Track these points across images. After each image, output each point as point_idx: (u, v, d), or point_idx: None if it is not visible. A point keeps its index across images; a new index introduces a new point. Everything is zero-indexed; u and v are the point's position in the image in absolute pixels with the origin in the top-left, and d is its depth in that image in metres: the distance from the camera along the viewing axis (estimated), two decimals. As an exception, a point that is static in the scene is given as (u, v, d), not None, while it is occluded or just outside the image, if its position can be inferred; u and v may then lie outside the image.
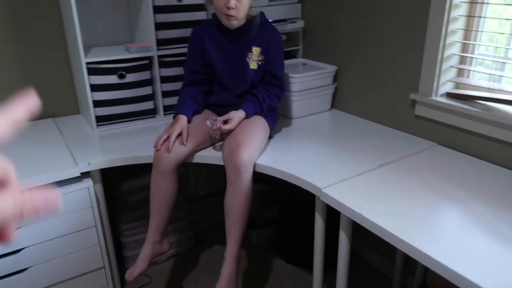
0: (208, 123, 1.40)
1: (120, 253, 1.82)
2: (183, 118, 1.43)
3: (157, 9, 1.67)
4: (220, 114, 1.50)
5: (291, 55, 2.10)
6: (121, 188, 1.79)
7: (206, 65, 1.54)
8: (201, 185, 2.06)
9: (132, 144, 1.57)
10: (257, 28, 1.48)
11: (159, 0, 1.66)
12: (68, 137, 1.63)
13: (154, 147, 1.40)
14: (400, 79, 1.63)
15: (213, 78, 1.57)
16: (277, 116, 1.63)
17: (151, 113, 1.81)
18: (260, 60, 1.50)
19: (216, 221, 2.16)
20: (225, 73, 1.53)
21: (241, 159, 1.30)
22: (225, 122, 1.43)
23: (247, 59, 1.50)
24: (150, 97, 1.79)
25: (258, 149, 1.41)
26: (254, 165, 1.38)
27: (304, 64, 2.00)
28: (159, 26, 1.70)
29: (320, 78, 1.84)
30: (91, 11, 1.78)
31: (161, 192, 1.43)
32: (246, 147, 1.33)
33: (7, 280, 1.38)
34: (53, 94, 1.83)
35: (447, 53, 1.46)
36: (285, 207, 2.00)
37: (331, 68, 1.87)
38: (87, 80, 1.61)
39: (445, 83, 1.51)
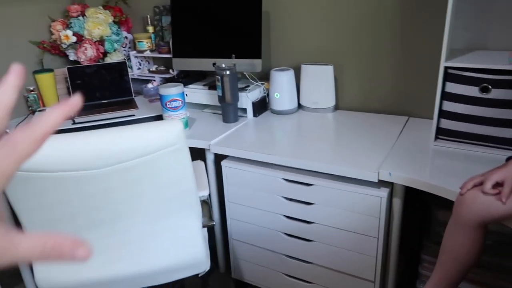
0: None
1: (413, 282, 1.61)
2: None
3: None
4: None
5: None
6: (435, 216, 1.52)
7: None
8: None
9: (467, 171, 1.26)
10: None
11: None
12: (401, 139, 1.53)
13: (460, 188, 1.07)
14: None
15: None
16: None
17: (515, 144, 1.36)
18: None
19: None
20: None
21: None
22: None
23: None
24: (519, 124, 1.33)
25: None
26: None
27: None
28: None
29: None
30: (491, 9, 1.47)
31: (453, 245, 1.10)
32: None
33: (296, 241, 1.57)
34: (417, 94, 1.73)
35: None
36: None
37: None
38: (441, 85, 1.40)
39: None
